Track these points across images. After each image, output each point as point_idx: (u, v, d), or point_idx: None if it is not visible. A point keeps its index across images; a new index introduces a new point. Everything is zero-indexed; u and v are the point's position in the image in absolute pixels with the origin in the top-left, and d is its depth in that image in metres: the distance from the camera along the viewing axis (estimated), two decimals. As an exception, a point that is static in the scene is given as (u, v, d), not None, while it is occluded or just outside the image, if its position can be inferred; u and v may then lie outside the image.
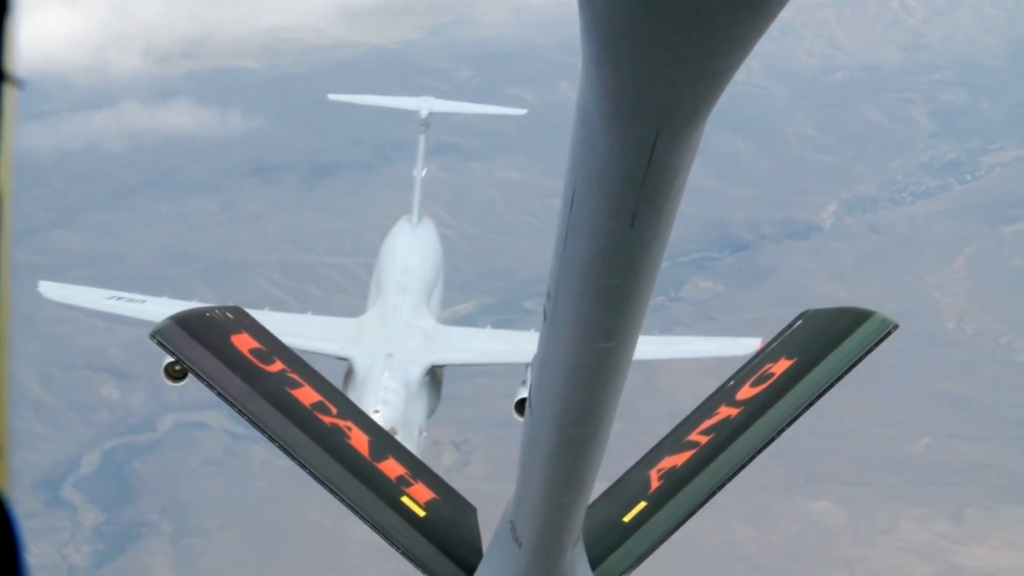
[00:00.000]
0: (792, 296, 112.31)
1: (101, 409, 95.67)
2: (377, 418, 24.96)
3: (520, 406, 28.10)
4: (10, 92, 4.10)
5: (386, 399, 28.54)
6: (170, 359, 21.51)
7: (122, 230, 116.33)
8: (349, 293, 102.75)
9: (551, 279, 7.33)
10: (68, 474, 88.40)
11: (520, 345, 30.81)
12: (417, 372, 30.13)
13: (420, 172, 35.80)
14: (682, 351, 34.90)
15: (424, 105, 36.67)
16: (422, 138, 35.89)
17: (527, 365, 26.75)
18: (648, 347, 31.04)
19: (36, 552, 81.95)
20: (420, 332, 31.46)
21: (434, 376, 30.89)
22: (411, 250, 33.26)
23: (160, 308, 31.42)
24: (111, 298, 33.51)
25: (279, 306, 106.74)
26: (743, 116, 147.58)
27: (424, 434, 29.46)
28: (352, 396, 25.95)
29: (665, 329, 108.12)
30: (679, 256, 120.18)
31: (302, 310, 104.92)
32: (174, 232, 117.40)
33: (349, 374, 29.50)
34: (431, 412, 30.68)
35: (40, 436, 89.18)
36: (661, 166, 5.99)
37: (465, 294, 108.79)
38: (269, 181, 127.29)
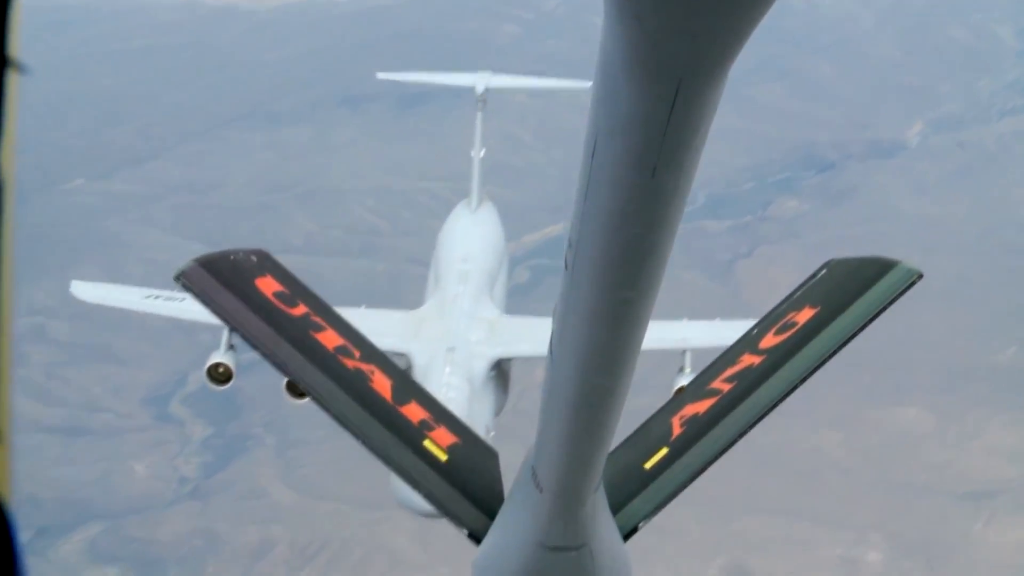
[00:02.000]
0: (878, 213, 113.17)
1: (203, 331, 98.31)
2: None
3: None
4: (13, 78, 4.08)
5: (448, 397, 26.09)
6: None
7: (217, 160, 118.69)
8: (440, 217, 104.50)
9: (572, 229, 7.23)
10: (175, 391, 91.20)
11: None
12: (482, 367, 28.17)
13: (479, 153, 33.71)
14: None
15: (480, 81, 34.81)
16: (479, 116, 33.98)
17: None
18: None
19: (149, 464, 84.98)
20: (484, 323, 29.36)
21: (500, 371, 28.86)
22: (471, 236, 31.14)
23: (198, 306, 31.02)
24: (148, 297, 30.92)
25: (373, 231, 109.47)
26: (828, 39, 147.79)
27: (492, 433, 27.31)
28: None
29: (753, 246, 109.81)
30: (766, 176, 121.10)
31: (397, 234, 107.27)
32: (268, 161, 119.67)
33: (407, 370, 27.21)
34: (499, 410, 28.75)
35: (147, 355, 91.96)
36: (682, 118, 6.04)
37: (556, 216, 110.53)
38: (358, 111, 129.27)
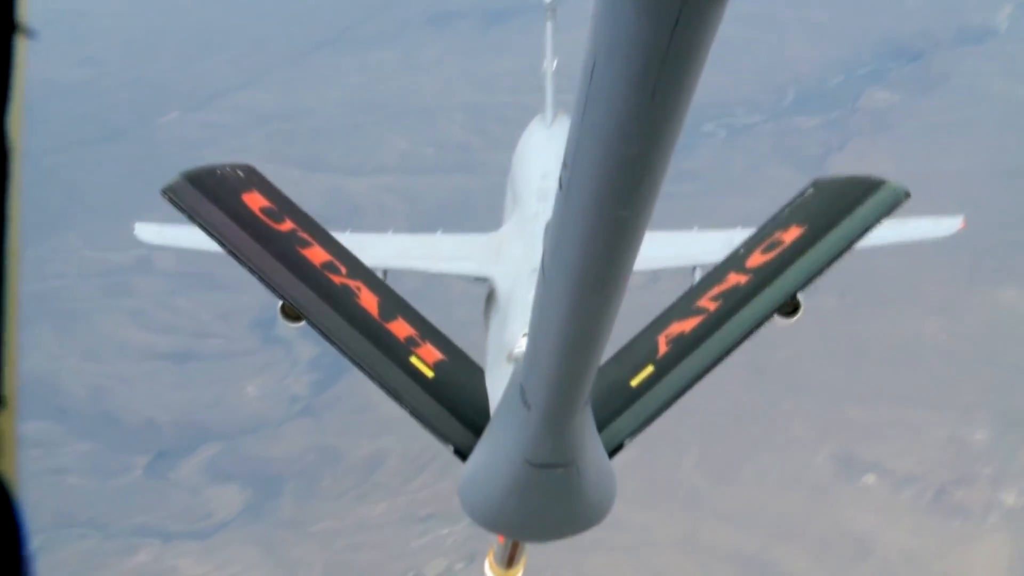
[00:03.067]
0: (970, 99, 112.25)
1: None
2: (525, 343, 22.73)
3: None
4: (21, 43, 4.01)
5: None
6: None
7: (308, 86, 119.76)
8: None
9: (568, 148, 7.27)
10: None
11: (683, 248, 26.47)
12: None
13: (551, 65, 31.65)
14: (875, 237, 29.73)
15: None
16: (549, 26, 31.62)
17: (693, 268, 24.74)
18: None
19: (260, 385, 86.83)
20: None
21: None
22: (549, 152, 28.49)
23: None
24: None
25: (465, 148, 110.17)
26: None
27: None
28: (497, 318, 23.25)
29: (845, 140, 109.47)
30: (855, 70, 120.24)
31: (489, 148, 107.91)
32: (358, 84, 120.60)
33: (490, 296, 25.42)
34: None
35: (251, 281, 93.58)
36: (683, 40, 5.99)
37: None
38: (445, 29, 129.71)
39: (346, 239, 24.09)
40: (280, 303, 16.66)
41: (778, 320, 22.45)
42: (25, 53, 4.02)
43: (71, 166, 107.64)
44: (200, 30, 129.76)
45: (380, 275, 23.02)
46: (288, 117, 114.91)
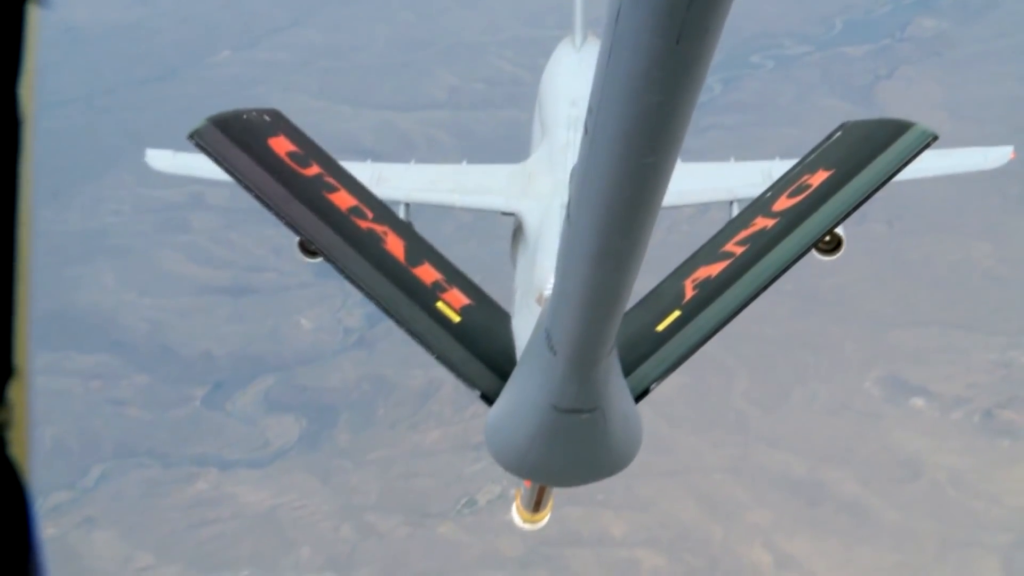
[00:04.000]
0: (1018, 25, 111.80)
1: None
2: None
3: None
4: (34, 11, 4.02)
5: None
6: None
7: (358, 23, 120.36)
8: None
9: (593, 94, 7.31)
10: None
11: (718, 180, 25.27)
12: None
13: None
14: (920, 169, 25.00)
15: None
16: None
17: (731, 203, 23.79)
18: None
19: (314, 317, 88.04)
20: None
21: None
22: (579, 77, 26.92)
23: None
24: None
25: (515, 82, 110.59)
26: None
27: None
28: (525, 257, 22.35)
29: (893, 68, 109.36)
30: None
31: (536, 82, 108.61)
32: (406, 20, 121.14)
33: (518, 231, 24.51)
34: None
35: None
36: None
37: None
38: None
39: (366, 169, 24.22)
40: (298, 239, 16.89)
41: (820, 257, 21.26)
42: (37, 22, 3.98)
43: (124, 105, 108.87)
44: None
45: (402, 208, 23.74)
46: (338, 55, 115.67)
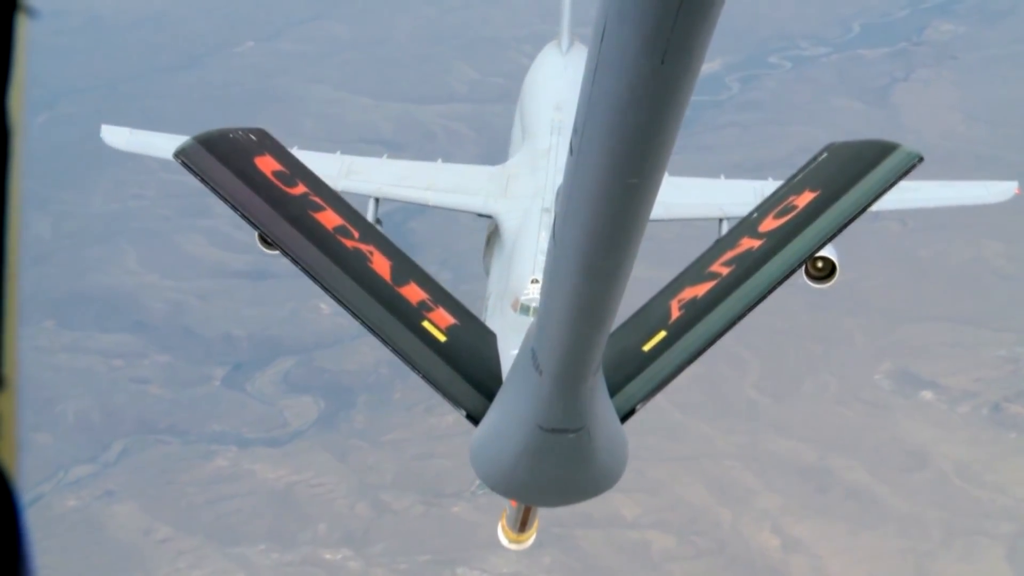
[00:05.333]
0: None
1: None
2: (535, 289, 20.04)
3: None
4: (23, 21, 3.94)
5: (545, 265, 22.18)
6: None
7: (380, 17, 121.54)
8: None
9: (579, 114, 7.26)
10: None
11: (709, 196, 24.76)
12: None
13: None
14: (919, 199, 25.50)
15: None
16: None
17: (720, 220, 23.61)
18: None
19: (333, 302, 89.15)
20: None
21: None
22: (564, 81, 26.54)
23: None
24: None
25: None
26: None
27: None
28: (500, 261, 22.19)
29: (909, 70, 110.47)
30: (919, 3, 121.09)
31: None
32: (428, 15, 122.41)
33: (493, 234, 24.00)
34: None
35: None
36: (694, 5, 6.02)
37: (711, 53, 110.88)
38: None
39: (335, 161, 24.50)
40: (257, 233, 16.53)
41: (814, 286, 22.08)
42: (26, 32, 3.93)
43: (149, 92, 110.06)
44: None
45: (372, 203, 23.65)
46: (360, 47, 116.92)
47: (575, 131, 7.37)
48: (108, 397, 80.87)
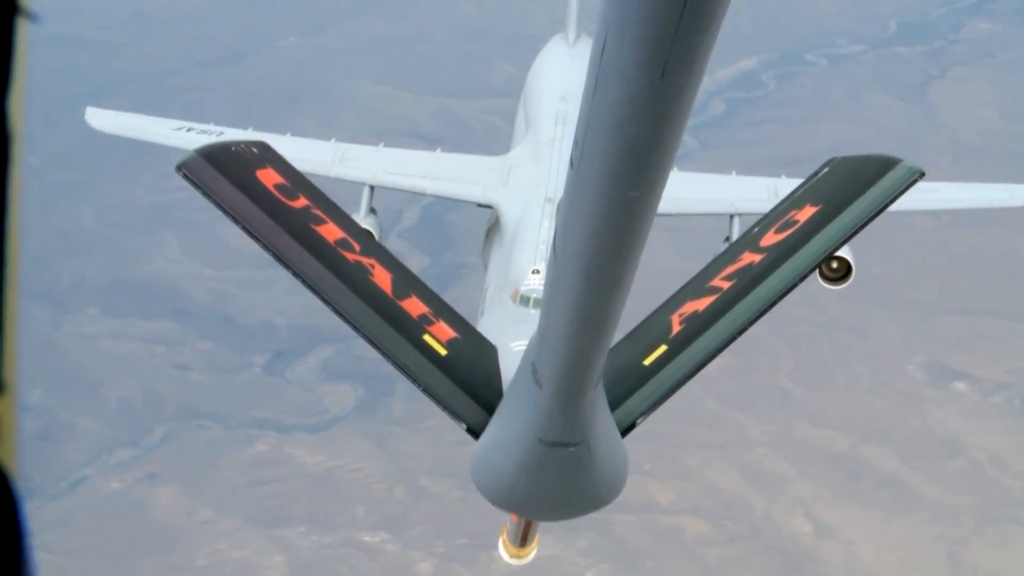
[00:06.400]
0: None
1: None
2: (536, 280, 19.96)
3: None
4: (23, 25, 3.92)
5: (547, 256, 19.65)
6: None
7: (420, 13, 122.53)
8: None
9: (579, 127, 7.24)
10: (393, 226, 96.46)
11: (718, 191, 24.36)
12: None
13: None
14: (941, 200, 25.43)
15: None
16: None
17: (731, 216, 23.41)
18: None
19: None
20: None
21: None
22: (571, 73, 26.08)
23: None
24: (179, 129, 25.83)
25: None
26: None
27: None
28: (500, 252, 21.85)
29: (946, 68, 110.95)
30: (956, 2, 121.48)
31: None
32: (467, 11, 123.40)
33: (494, 226, 23.50)
34: None
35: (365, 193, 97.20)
36: (694, 18, 5.97)
37: (747, 51, 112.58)
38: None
39: (329, 148, 24.48)
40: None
41: (829, 287, 21.94)
42: (26, 36, 3.89)
43: (193, 86, 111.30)
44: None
45: (367, 191, 23.77)
46: (400, 43, 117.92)
47: (575, 144, 7.40)
48: (150, 383, 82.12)
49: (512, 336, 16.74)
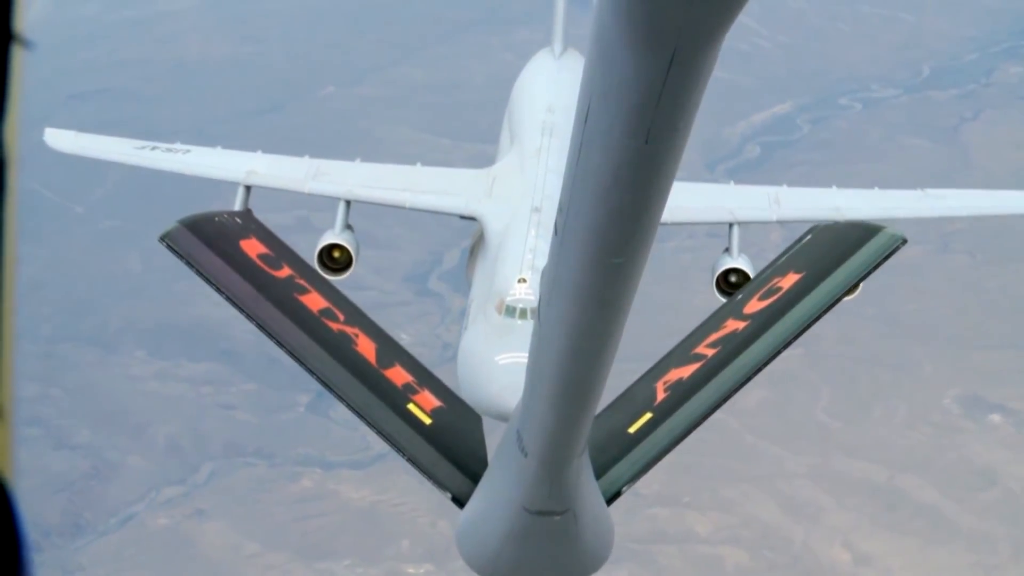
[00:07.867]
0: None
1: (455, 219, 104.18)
2: (522, 289, 19.56)
3: (722, 282, 21.86)
4: (18, 53, 3.89)
5: (535, 265, 20.29)
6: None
7: (459, 62, 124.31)
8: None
9: (563, 193, 7.27)
10: (432, 269, 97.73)
11: (714, 200, 23.62)
12: None
13: None
14: (947, 207, 24.19)
15: None
16: None
17: (730, 225, 22.73)
18: (903, 203, 23.14)
19: (413, 333, 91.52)
20: None
21: None
22: (557, 85, 25.79)
23: (210, 159, 25.70)
24: (142, 148, 25.32)
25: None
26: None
27: None
28: (485, 263, 21.25)
29: (978, 111, 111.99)
30: (989, 47, 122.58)
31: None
32: (505, 60, 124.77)
33: (478, 242, 22.94)
34: None
35: (405, 239, 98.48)
36: (677, 85, 5.96)
37: (782, 95, 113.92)
38: (588, 8, 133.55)
39: (303, 164, 24.13)
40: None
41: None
42: (21, 63, 3.87)
43: (233, 135, 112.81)
44: (354, 10, 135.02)
45: (342, 206, 23.09)
46: (439, 91, 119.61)
47: (560, 210, 7.39)
48: (197, 422, 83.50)
49: (498, 349, 17.08)
